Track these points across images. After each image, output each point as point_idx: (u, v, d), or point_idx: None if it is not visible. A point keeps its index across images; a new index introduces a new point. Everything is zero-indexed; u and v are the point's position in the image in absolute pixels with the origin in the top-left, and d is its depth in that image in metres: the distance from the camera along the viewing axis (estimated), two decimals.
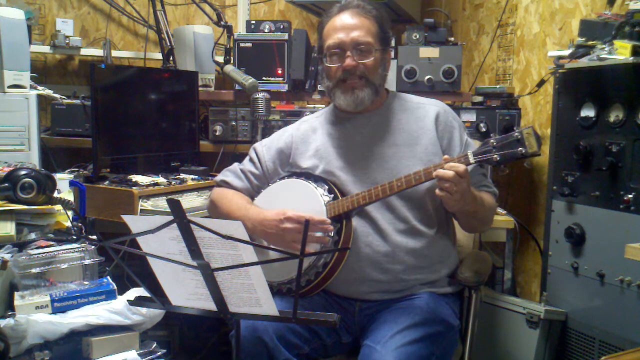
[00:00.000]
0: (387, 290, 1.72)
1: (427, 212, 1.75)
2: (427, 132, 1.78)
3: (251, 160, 1.95)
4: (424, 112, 1.82)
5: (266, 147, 1.93)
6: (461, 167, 1.55)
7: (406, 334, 1.57)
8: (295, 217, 1.65)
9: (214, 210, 1.93)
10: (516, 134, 1.52)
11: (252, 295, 1.25)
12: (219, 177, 1.98)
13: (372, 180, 1.74)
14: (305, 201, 1.72)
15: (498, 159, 1.54)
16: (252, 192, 1.91)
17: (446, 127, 1.80)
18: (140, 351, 1.66)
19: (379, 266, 1.71)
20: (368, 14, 1.75)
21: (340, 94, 1.77)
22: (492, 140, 1.55)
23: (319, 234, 1.65)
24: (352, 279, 1.72)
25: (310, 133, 1.88)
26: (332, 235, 1.66)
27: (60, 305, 1.63)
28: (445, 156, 1.61)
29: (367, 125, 1.81)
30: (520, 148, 1.51)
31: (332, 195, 1.72)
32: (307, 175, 1.81)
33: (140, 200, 2.10)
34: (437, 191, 1.58)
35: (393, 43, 2.79)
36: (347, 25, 1.73)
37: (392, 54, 2.76)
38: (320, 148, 1.83)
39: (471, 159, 1.57)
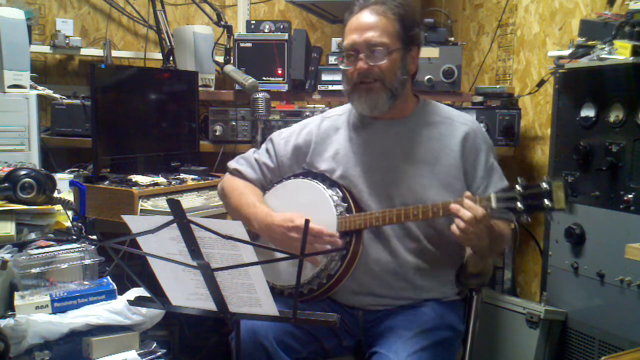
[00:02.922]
0: (391, 304, 1.70)
1: (441, 233, 1.69)
2: (450, 152, 1.69)
3: (267, 151, 1.87)
4: (452, 129, 1.72)
5: (284, 141, 1.84)
6: (480, 211, 1.47)
7: (417, 341, 1.56)
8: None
9: (224, 200, 1.88)
10: (545, 185, 1.44)
11: (252, 295, 1.25)
12: (233, 163, 1.91)
13: (387, 195, 1.69)
14: (317, 209, 1.68)
15: (522, 208, 1.46)
16: (265, 185, 1.86)
17: (473, 149, 1.70)
18: (140, 351, 1.65)
19: (386, 283, 1.68)
20: (388, 11, 1.64)
21: (357, 97, 1.68)
22: (518, 188, 1.47)
23: (327, 247, 1.62)
24: (356, 291, 1.70)
25: (331, 132, 1.80)
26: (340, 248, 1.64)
27: (60, 305, 1.63)
28: (467, 193, 1.53)
29: (389, 135, 1.73)
30: (547, 201, 1.43)
31: (346, 205, 1.68)
32: (322, 177, 1.76)
33: (140, 200, 2.10)
34: (452, 227, 1.51)
35: None
36: (362, 25, 1.63)
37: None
38: (340, 152, 1.76)
39: (493, 204, 1.49)
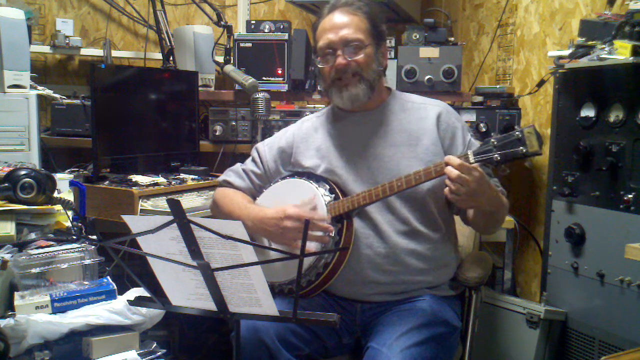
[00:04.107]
0: (388, 292, 1.72)
1: (430, 214, 1.74)
2: (428, 132, 1.76)
3: (253, 160, 1.96)
4: (425, 112, 1.80)
5: (268, 147, 1.94)
6: (457, 160, 1.51)
7: (411, 336, 1.57)
8: (296, 215, 1.64)
9: (216, 210, 1.93)
10: (517, 133, 1.49)
11: (252, 295, 1.25)
12: (222, 177, 1.99)
13: (373, 180, 1.73)
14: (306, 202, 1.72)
15: (499, 158, 1.50)
16: (254, 192, 1.92)
17: (448, 127, 1.78)
18: (140, 351, 1.65)
19: (380, 268, 1.70)
20: (357, 10, 1.75)
21: (336, 92, 1.76)
22: (492, 140, 1.52)
23: (319, 234, 1.65)
24: (353, 280, 1.72)
25: (312, 132, 1.88)
26: (332, 235, 1.66)
27: (60, 305, 1.63)
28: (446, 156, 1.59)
29: (367, 124, 1.81)
30: (521, 147, 1.47)
31: (334, 196, 1.72)
32: (308, 174, 1.81)
33: (140, 200, 2.10)
34: (444, 190, 1.55)
35: (393, 42, 2.80)
36: (336, 24, 1.73)
37: (393, 54, 2.77)
38: (322, 147, 1.83)
39: (471, 159, 1.54)
